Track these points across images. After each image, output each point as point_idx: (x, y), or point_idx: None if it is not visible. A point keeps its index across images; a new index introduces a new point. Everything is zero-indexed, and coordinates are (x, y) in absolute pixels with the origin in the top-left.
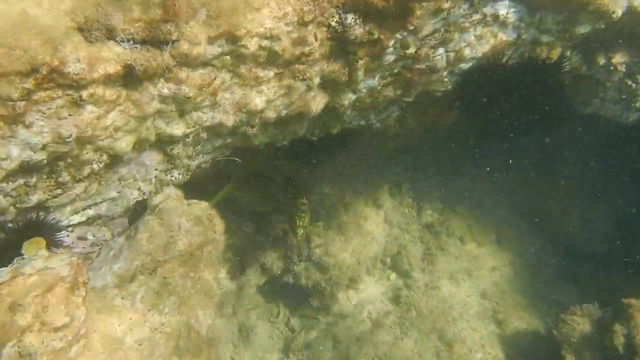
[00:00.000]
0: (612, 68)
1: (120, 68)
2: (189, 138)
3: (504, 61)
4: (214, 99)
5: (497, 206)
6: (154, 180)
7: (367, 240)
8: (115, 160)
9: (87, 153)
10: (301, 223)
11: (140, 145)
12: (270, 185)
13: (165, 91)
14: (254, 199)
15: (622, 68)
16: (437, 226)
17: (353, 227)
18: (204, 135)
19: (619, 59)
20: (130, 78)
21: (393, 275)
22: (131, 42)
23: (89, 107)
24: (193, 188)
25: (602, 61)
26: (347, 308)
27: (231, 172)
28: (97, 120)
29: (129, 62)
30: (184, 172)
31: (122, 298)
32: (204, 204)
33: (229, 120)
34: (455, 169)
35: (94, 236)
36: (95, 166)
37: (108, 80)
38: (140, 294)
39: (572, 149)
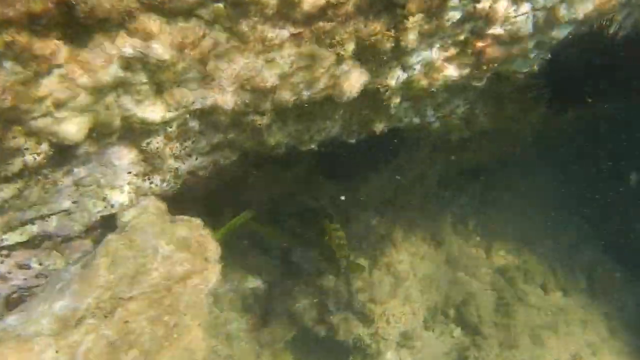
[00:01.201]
0: None
1: (52, 5)
2: (171, 127)
3: (611, 31)
4: (203, 68)
5: (587, 245)
6: (126, 187)
7: (425, 285)
8: (63, 153)
9: (14, 137)
10: (342, 253)
11: (100, 134)
12: (298, 214)
13: (129, 50)
14: (277, 232)
15: None
16: (513, 270)
17: (406, 268)
18: (195, 124)
19: None
20: (72, 25)
21: (458, 331)
22: None
23: (7, 65)
24: (188, 205)
25: None
26: None
27: (246, 190)
28: (22, 87)
29: None
30: (170, 179)
31: (56, 351)
32: (196, 222)
33: (228, 102)
34: (536, 198)
35: (40, 264)
36: (30, 158)
37: (33, 22)
38: (85, 346)
39: None
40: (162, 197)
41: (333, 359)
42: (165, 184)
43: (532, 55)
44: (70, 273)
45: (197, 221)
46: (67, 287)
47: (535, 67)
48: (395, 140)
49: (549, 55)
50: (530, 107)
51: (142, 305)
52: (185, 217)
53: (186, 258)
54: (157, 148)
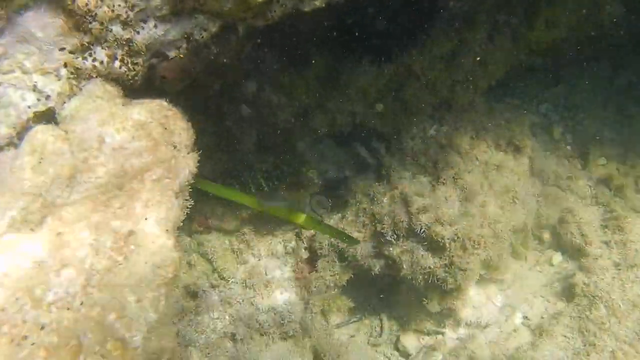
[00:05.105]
0: None
1: None
2: None
3: None
4: None
5: None
6: (63, 71)
7: (506, 201)
8: None
9: None
10: None
11: None
12: None
13: None
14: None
15: None
16: (619, 178)
17: (479, 178)
18: None
19: None
20: None
21: (557, 257)
22: None
23: None
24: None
25: None
26: (488, 313)
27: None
28: None
29: None
30: (125, 58)
31: None
32: (158, 102)
33: None
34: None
35: None
36: None
37: None
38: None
39: None
40: (120, 84)
41: (403, 303)
42: (117, 64)
43: None
44: None
45: (160, 101)
46: None
47: None
48: None
49: None
50: None
51: (81, 212)
52: (146, 100)
53: (146, 147)
54: (87, 4)
